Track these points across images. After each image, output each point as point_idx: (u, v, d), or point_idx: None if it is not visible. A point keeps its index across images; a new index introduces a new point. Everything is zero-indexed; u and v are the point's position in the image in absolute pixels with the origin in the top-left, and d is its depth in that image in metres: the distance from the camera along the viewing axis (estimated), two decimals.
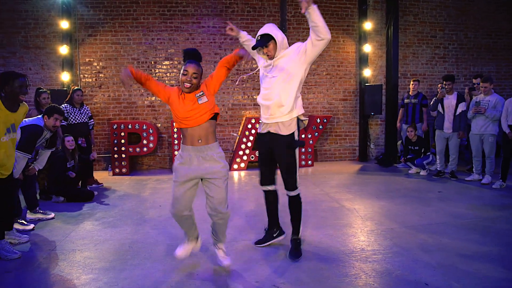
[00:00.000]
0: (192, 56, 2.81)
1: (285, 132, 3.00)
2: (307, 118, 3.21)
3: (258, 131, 3.24)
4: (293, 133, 3.02)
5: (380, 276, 2.76)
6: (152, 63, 7.83)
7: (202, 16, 7.87)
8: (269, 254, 3.24)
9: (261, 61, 3.16)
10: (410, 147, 6.83)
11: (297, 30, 8.14)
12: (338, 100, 8.40)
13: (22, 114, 3.36)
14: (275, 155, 3.12)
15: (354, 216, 4.26)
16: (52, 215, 4.51)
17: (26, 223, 4.10)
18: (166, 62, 7.86)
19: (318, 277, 2.77)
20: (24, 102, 3.37)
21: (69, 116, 5.98)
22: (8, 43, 7.48)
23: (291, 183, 3.08)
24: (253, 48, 3.01)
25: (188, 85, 2.68)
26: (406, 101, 7.30)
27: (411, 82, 7.24)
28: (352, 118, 8.48)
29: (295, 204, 3.15)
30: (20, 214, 4.10)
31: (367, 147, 8.46)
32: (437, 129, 6.37)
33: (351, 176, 6.73)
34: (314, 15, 2.74)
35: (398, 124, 7.49)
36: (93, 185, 6.21)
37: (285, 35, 7.67)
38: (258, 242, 3.44)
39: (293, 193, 3.11)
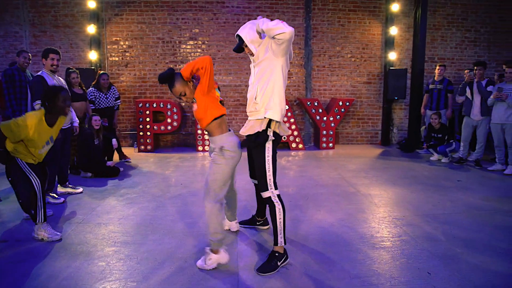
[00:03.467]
0: (163, 81, 2.73)
1: (256, 129, 2.81)
2: (287, 132, 2.93)
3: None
4: (263, 132, 2.77)
5: (385, 262, 2.85)
6: (177, 42, 7.94)
7: None
8: None
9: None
10: (433, 134, 6.73)
11: (322, 11, 8.01)
12: (362, 83, 8.30)
13: (61, 121, 3.58)
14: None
15: (367, 202, 4.32)
16: (81, 189, 4.81)
17: (57, 196, 4.42)
18: (191, 42, 7.96)
19: (324, 260, 2.89)
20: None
21: (96, 101, 6.25)
22: (39, 22, 7.77)
23: (261, 183, 2.84)
24: (234, 50, 2.92)
25: (187, 102, 2.81)
26: (431, 86, 7.13)
27: (437, 67, 7.05)
28: (376, 102, 8.38)
29: (270, 207, 2.83)
30: (52, 188, 4.42)
31: (389, 132, 8.37)
32: (465, 115, 6.22)
33: (370, 160, 6.73)
34: (266, 30, 2.56)
35: (422, 110, 7.36)
36: (122, 160, 6.54)
37: (310, 16, 7.63)
38: (241, 222, 3.61)
39: (265, 194, 2.83)
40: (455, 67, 8.32)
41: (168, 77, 2.71)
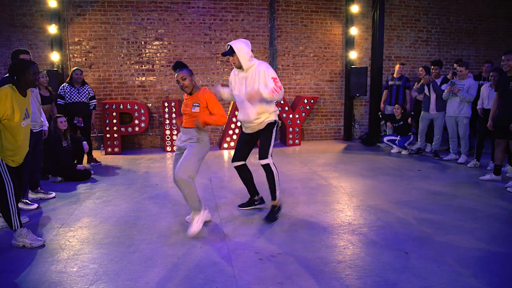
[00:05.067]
0: (175, 66, 3.45)
1: (266, 123, 3.81)
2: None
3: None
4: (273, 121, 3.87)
5: (366, 246, 3.10)
6: (142, 43, 7.85)
7: None
8: (266, 228, 3.54)
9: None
10: (394, 124, 7.19)
11: (285, 12, 8.26)
12: (324, 81, 8.65)
13: (29, 98, 3.47)
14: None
15: (340, 193, 4.59)
16: (53, 194, 4.68)
17: (30, 202, 4.27)
18: (156, 42, 7.90)
19: (311, 248, 3.09)
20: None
21: (66, 95, 6.06)
22: None
23: (262, 153, 3.66)
24: (223, 55, 3.70)
25: (184, 89, 3.44)
26: (390, 83, 7.61)
27: (397, 65, 7.53)
28: (338, 99, 8.77)
29: (268, 171, 3.69)
30: (25, 194, 4.27)
31: (351, 127, 8.80)
32: (423, 110, 6.71)
33: (336, 155, 7.07)
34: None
35: (382, 105, 7.83)
36: (92, 163, 6.38)
37: (274, 16, 7.84)
38: (240, 205, 4.13)
39: (264, 161, 3.65)
40: (410, 65, 8.91)
41: (182, 64, 3.44)
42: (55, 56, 7.28)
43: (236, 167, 3.95)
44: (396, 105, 7.11)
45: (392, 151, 7.22)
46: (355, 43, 8.44)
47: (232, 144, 7.74)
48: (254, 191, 4.06)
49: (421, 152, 6.86)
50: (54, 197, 4.64)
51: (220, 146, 7.87)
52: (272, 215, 3.72)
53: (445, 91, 6.14)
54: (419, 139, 6.89)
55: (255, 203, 4.07)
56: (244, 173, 3.96)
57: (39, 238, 3.28)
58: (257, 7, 8.15)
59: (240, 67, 3.64)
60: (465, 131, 6.12)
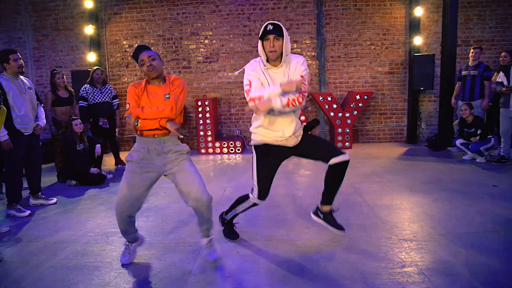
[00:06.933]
0: (140, 48, 2.56)
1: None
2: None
3: None
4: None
5: None
6: (178, 39, 7.44)
7: None
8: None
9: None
10: (465, 129, 5.73)
11: (334, 11, 7.19)
12: (383, 73, 7.37)
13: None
14: None
15: (369, 216, 3.53)
16: (54, 200, 4.42)
17: (22, 209, 4.01)
18: (193, 38, 7.43)
19: None
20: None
21: (88, 96, 5.83)
22: (41, 26, 7.57)
23: (334, 150, 2.77)
24: (263, 35, 2.54)
25: (151, 69, 2.46)
26: (464, 73, 6.10)
27: (471, 50, 6.00)
28: (400, 94, 7.41)
29: (340, 170, 2.78)
30: (17, 200, 4.02)
31: (417, 127, 7.37)
32: (502, 107, 5.21)
33: (389, 161, 5.84)
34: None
35: (453, 101, 6.33)
36: (119, 166, 6.13)
37: (322, 1, 6.85)
38: (236, 237, 3.15)
39: (345, 157, 2.71)
40: (495, 50, 7.16)
41: (147, 46, 2.60)
42: (91, 57, 7.20)
43: (256, 205, 2.95)
44: (463, 105, 5.63)
45: (464, 157, 5.76)
46: (421, 26, 7.02)
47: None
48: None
49: (505, 161, 5.31)
50: (55, 203, 4.37)
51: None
52: (336, 221, 2.90)
53: None
54: (502, 143, 5.36)
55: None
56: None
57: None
58: None
59: (276, 58, 2.58)
60: None
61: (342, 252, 2.83)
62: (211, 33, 7.39)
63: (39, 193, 4.38)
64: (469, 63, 6.05)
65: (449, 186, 4.38)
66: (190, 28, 7.39)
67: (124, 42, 7.50)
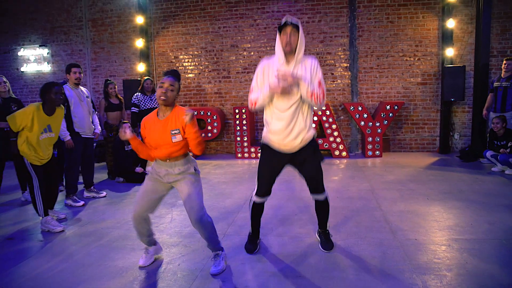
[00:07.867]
0: (170, 72, 2.74)
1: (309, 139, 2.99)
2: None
3: None
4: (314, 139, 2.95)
5: None
6: (219, 51, 8.04)
7: (266, 0, 7.73)
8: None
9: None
10: (495, 142, 5.74)
11: (367, 9, 7.43)
12: (415, 84, 7.47)
13: (60, 115, 3.94)
14: None
15: (378, 220, 3.79)
16: (104, 193, 5.09)
17: (78, 200, 4.71)
18: (233, 49, 7.99)
19: None
20: (61, 105, 3.96)
21: (140, 103, 6.54)
22: (98, 39, 8.49)
23: (320, 185, 2.99)
24: (283, 27, 2.67)
25: (163, 97, 2.59)
26: (495, 84, 6.10)
27: (504, 61, 6.00)
28: (433, 105, 7.47)
29: (324, 205, 3.09)
30: (74, 192, 4.73)
31: (449, 138, 7.38)
32: None
33: (416, 170, 5.97)
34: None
35: (484, 112, 6.33)
36: None
37: (354, 14, 7.12)
38: (251, 251, 3.11)
39: (322, 196, 3.02)
40: None
41: (178, 74, 2.79)
42: (140, 67, 8.00)
43: (258, 205, 3.05)
44: (495, 118, 5.64)
45: (493, 169, 5.76)
46: (454, 38, 7.07)
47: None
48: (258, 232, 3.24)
49: None
50: (104, 196, 5.05)
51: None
52: (331, 241, 3.15)
53: None
54: None
55: (258, 242, 3.22)
56: (261, 212, 3.11)
57: (60, 225, 3.80)
58: (335, 6, 7.53)
59: (290, 51, 2.69)
60: None
61: (343, 251, 3.14)
62: (249, 45, 7.91)
63: (92, 187, 5.08)
64: (502, 75, 6.06)
65: (467, 196, 4.49)
66: (230, 40, 7.96)
67: (170, 54, 8.23)
